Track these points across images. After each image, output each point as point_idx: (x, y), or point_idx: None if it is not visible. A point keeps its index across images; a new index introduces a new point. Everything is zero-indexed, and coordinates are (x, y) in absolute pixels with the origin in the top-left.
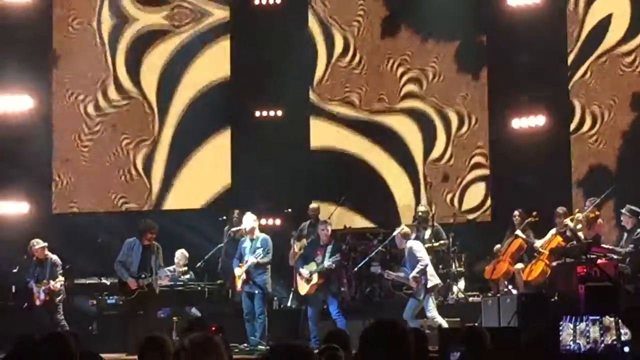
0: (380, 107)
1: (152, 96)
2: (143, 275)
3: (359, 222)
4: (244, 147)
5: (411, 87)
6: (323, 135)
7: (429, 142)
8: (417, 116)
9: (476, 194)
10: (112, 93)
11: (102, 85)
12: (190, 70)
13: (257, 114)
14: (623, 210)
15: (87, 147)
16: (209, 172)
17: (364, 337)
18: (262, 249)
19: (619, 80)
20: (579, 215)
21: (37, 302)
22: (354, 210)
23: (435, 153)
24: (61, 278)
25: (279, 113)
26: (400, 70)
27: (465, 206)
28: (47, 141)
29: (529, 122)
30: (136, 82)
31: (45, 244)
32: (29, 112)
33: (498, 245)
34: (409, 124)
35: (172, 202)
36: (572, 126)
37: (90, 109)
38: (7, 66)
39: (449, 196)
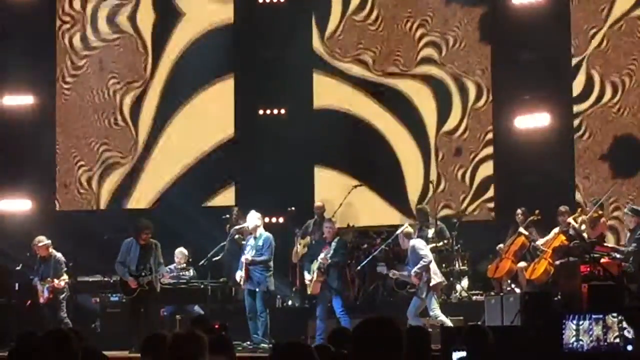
0: (395, 70)
1: (147, 33)
2: (143, 274)
3: (364, 192)
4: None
5: (429, 52)
6: (328, 93)
7: (443, 112)
8: (433, 83)
9: (488, 172)
10: (103, 26)
11: (93, 16)
12: (192, 9)
13: (261, 112)
14: (625, 210)
15: (69, 85)
16: (206, 123)
17: (354, 336)
18: (260, 246)
19: (637, 44)
20: (583, 217)
21: (41, 300)
22: (358, 179)
23: (450, 125)
24: (65, 276)
25: (282, 111)
26: (420, 32)
27: (477, 184)
28: (50, 138)
29: (533, 120)
30: (131, 16)
31: (49, 241)
32: (32, 108)
33: (501, 245)
34: (424, 91)
35: (160, 155)
36: (592, 98)
37: (77, 40)
38: (10, 63)
39: (460, 172)
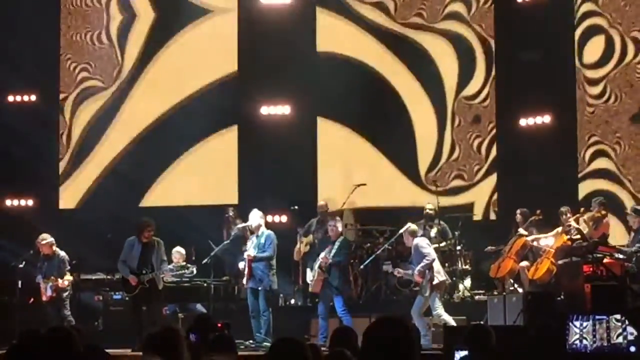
0: (417, 22)
1: None
2: (144, 272)
3: (371, 153)
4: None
5: (457, 7)
6: (336, 37)
7: (465, 75)
8: (457, 42)
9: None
10: None
11: None
12: None
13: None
14: (628, 211)
15: None
16: (204, 54)
17: (367, 335)
18: (262, 244)
19: None
20: (586, 216)
21: (44, 298)
22: (366, 137)
23: (470, 89)
24: (69, 275)
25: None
26: None
27: (492, 157)
28: (53, 135)
29: (536, 120)
30: None
31: (52, 239)
32: (35, 106)
33: (493, 247)
34: (447, 49)
35: (147, 87)
36: (614, 60)
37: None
38: (13, 62)
39: (477, 141)
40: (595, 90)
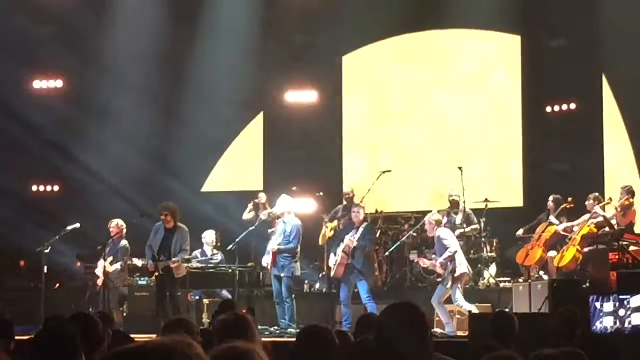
0: None
1: None
2: (161, 259)
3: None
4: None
5: None
6: None
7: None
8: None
9: None
10: None
11: None
12: None
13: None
14: None
15: None
16: None
17: (379, 320)
18: (288, 234)
19: None
20: (614, 203)
21: (99, 282)
22: None
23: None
24: (117, 265)
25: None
26: None
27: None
28: (79, 120)
29: (563, 107)
30: None
31: (118, 223)
32: (62, 92)
33: (520, 232)
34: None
35: None
36: None
37: None
38: (41, 47)
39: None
40: None
